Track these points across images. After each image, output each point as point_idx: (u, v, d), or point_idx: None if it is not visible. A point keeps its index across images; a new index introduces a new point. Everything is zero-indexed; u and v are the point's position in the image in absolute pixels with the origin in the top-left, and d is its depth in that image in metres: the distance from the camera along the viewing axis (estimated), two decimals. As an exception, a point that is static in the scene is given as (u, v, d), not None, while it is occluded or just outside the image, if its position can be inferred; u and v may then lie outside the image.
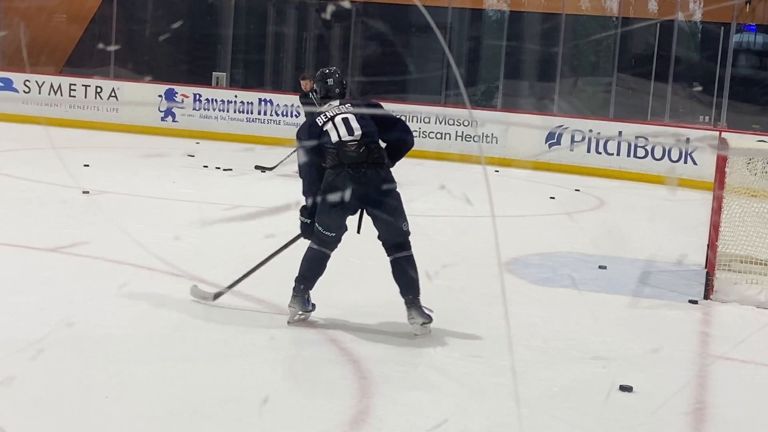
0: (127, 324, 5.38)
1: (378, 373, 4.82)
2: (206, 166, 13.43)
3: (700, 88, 18.81)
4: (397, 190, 5.52)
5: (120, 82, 19.66)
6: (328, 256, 5.59)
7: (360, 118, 5.51)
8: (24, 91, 19.22)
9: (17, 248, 7.22)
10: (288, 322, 5.55)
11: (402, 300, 5.51)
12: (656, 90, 19.48)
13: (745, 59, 20.37)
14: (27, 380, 4.26)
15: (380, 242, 5.59)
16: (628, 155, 16.70)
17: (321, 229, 5.48)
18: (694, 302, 6.92)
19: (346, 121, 5.50)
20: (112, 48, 20.45)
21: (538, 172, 16.22)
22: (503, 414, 4.35)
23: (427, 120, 17.91)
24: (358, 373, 4.82)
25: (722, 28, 19.28)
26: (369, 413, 4.27)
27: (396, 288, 5.49)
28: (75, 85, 19.32)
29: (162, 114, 18.94)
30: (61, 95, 19.17)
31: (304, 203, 5.54)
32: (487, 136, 17.73)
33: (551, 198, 12.80)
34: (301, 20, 22.07)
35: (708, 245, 7.48)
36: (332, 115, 5.56)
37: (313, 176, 5.50)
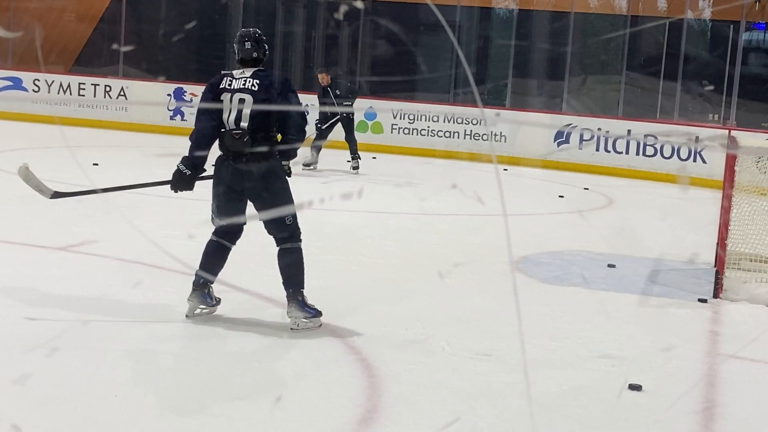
0: (136, 323, 5.39)
1: (387, 372, 4.82)
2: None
3: (711, 87, 18.74)
4: (287, 180, 5.35)
5: (129, 81, 19.71)
6: (227, 249, 5.44)
7: (256, 101, 5.19)
8: (33, 90, 19.28)
9: (26, 247, 7.25)
10: (186, 316, 5.44)
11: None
12: (665, 89, 19.43)
13: (754, 57, 20.30)
14: (39, 379, 4.28)
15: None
16: (637, 154, 16.67)
17: (214, 217, 5.40)
18: (704, 301, 6.91)
19: (241, 102, 5.21)
20: (126, 48, 20.47)
21: (546, 170, 16.20)
22: (513, 413, 4.35)
23: (435, 119, 17.91)
24: (366, 371, 4.82)
25: (732, 26, 19.22)
26: (378, 412, 4.27)
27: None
28: (84, 84, 19.36)
29: (171, 113, 18.97)
30: (71, 94, 19.22)
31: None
32: (495, 135, 17.72)
33: (560, 197, 12.78)
34: (309, 19, 22.06)
35: (717, 244, 7.46)
36: (234, 87, 5.25)
37: (205, 132, 5.29)
